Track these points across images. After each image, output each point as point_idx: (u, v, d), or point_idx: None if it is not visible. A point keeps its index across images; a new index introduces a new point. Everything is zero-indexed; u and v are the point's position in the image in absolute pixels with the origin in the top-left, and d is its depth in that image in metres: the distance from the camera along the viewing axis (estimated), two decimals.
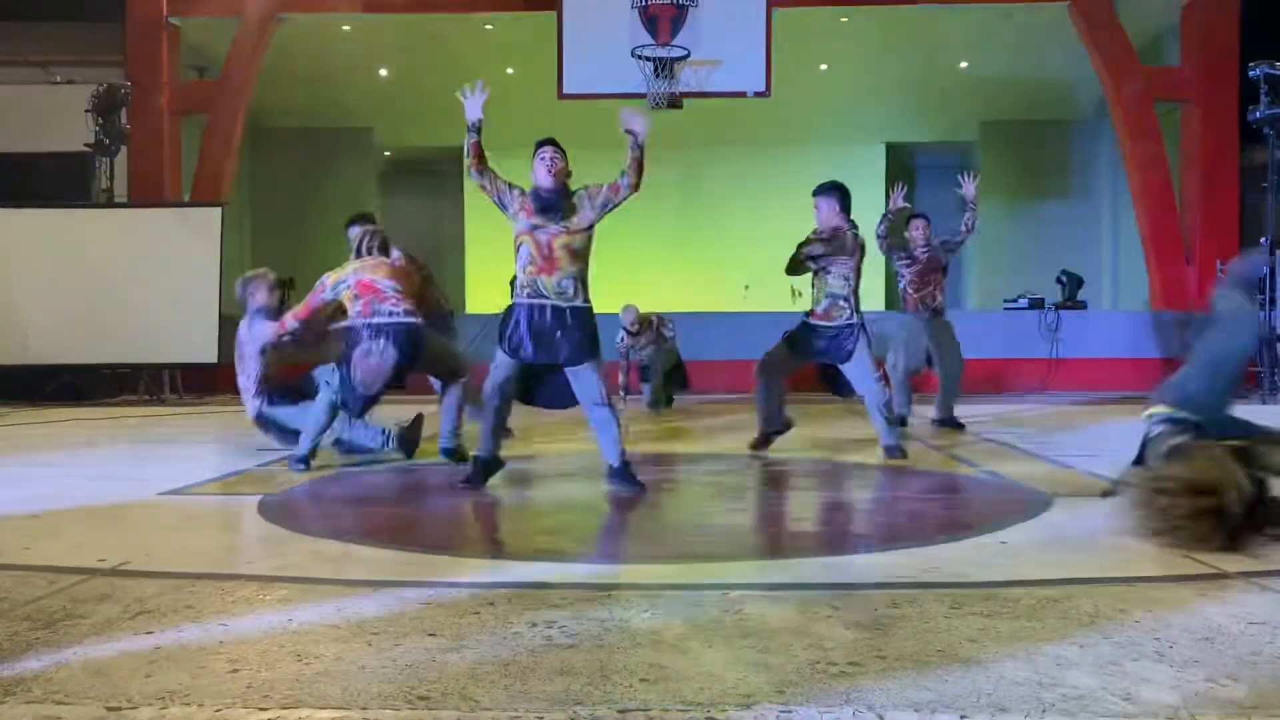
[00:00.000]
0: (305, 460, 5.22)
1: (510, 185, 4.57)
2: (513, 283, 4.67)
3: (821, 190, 5.72)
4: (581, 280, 4.47)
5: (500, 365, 4.49)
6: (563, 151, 4.61)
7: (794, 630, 2.38)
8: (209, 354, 10.29)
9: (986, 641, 2.29)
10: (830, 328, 5.54)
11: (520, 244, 4.48)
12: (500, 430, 4.64)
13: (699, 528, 3.89)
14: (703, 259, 16.27)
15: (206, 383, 11.08)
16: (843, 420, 7.55)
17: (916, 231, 7.40)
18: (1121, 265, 14.25)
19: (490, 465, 4.60)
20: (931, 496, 4.47)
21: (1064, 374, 11.21)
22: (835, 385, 5.77)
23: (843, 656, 2.18)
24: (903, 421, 6.83)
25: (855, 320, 5.53)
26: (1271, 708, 1.90)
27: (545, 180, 4.49)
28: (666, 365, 9.19)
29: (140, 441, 6.93)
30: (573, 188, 4.55)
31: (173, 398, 10.70)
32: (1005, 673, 2.07)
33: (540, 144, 4.62)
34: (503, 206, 4.55)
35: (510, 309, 4.50)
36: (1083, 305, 12.09)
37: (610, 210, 4.56)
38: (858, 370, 5.49)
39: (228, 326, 10.53)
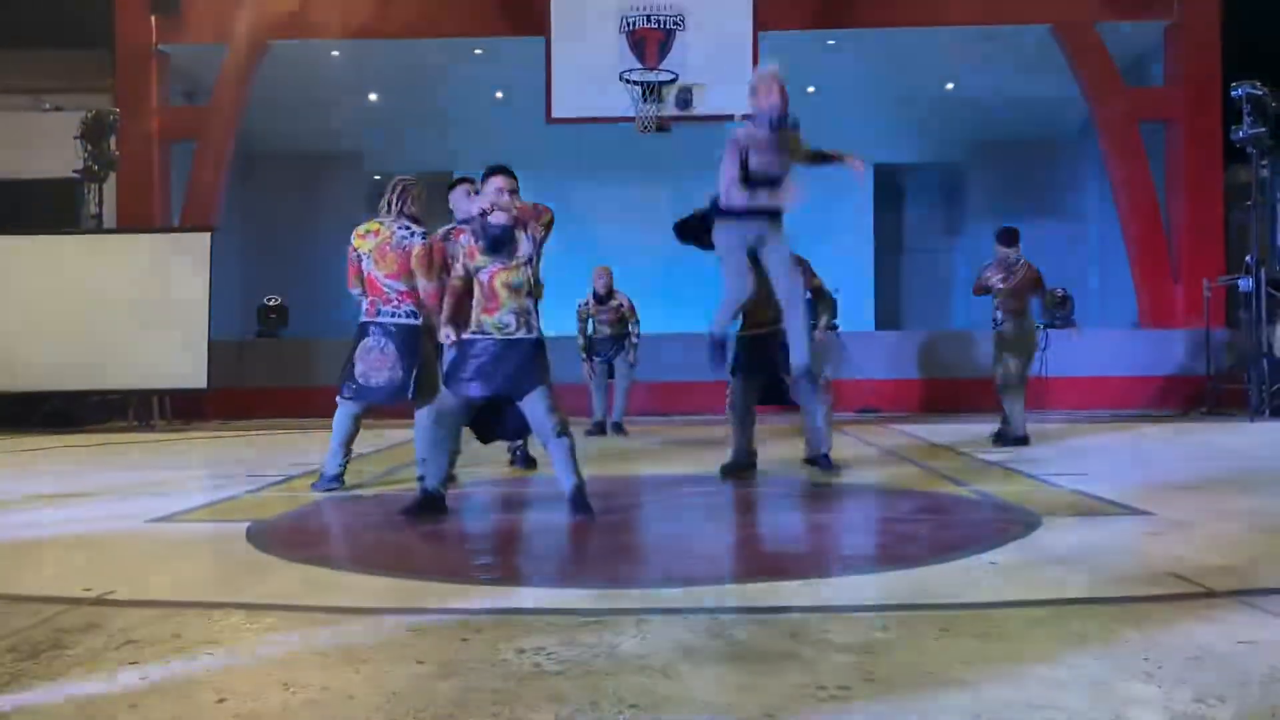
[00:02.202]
0: (337, 479, 5.26)
1: (453, 245, 4.61)
2: None
3: None
4: (524, 313, 4.42)
5: (444, 397, 4.50)
6: (514, 178, 4.48)
7: (783, 654, 2.37)
8: (198, 380, 10.27)
9: (977, 663, 2.28)
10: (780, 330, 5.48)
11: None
12: (451, 463, 4.60)
13: (687, 550, 3.88)
14: (693, 279, 16.30)
15: (196, 408, 11.06)
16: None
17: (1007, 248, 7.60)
18: (1109, 284, 14.33)
19: (434, 501, 4.48)
20: (921, 517, 4.47)
21: (1053, 392, 11.24)
22: (780, 396, 5.84)
23: (832, 680, 2.17)
24: (1024, 440, 7.22)
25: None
26: None
27: (496, 215, 4.42)
28: (626, 371, 8.89)
29: (128, 468, 6.89)
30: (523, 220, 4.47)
31: (162, 423, 10.66)
32: (995, 695, 2.07)
33: (490, 173, 4.48)
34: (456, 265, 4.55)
35: (458, 345, 4.51)
36: (1073, 324, 12.13)
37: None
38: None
39: (217, 352, 10.56)
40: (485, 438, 4.82)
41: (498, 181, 4.42)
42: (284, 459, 6.98)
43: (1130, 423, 9.30)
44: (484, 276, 4.42)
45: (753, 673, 2.24)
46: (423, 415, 5.27)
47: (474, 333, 4.44)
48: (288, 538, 4.13)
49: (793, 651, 2.39)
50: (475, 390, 4.39)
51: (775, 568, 3.65)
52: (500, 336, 4.38)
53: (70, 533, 4.17)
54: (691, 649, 2.42)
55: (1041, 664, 2.27)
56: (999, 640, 2.47)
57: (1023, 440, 7.23)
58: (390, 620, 2.74)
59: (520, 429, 4.65)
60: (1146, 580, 3.09)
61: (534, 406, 4.39)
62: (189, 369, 10.25)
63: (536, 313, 4.49)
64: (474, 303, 4.47)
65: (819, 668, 2.26)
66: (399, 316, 5.19)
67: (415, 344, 5.21)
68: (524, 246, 4.43)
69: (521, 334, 4.40)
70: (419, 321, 5.23)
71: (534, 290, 4.48)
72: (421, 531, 4.29)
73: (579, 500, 4.39)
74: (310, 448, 7.58)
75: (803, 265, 5.69)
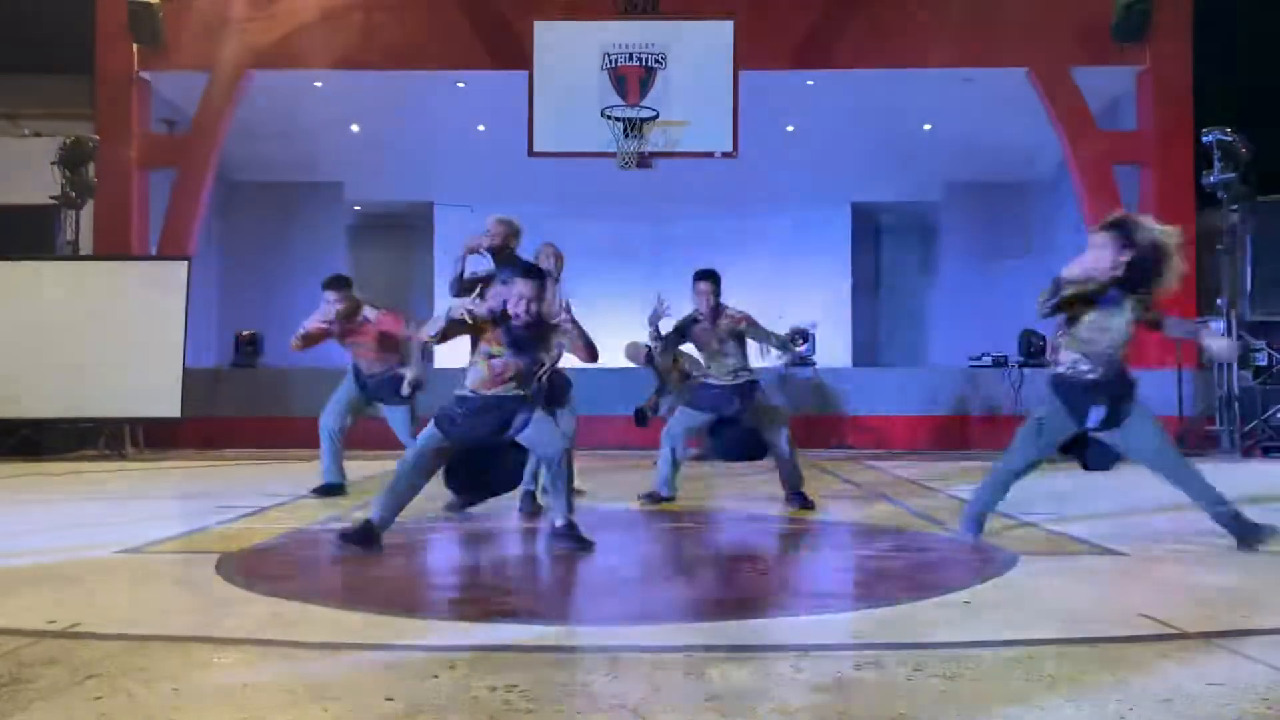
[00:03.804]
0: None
1: (478, 308, 4.52)
2: None
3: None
4: (525, 385, 4.58)
5: (429, 437, 4.53)
6: (542, 282, 4.55)
7: (756, 692, 2.36)
8: (172, 408, 10.18)
9: (949, 704, 2.28)
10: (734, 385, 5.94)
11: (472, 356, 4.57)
12: (409, 499, 4.55)
13: (660, 586, 3.86)
14: (673, 315, 16.37)
15: (169, 438, 10.95)
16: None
17: None
18: None
19: (372, 534, 4.41)
20: (895, 555, 4.47)
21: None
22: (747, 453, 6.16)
23: (805, 719, 2.16)
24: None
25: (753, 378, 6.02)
26: None
27: (520, 319, 4.47)
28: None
29: (98, 498, 6.81)
30: (548, 320, 4.60)
31: (134, 453, 10.54)
32: None
33: (525, 274, 4.52)
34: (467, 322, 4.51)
35: (457, 399, 4.55)
36: (1047, 364, 12.23)
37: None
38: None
39: (191, 381, 10.48)
40: (464, 493, 5.03)
41: (528, 288, 4.45)
42: (257, 490, 6.92)
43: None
44: (498, 364, 4.50)
45: (725, 713, 2.22)
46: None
47: (472, 391, 4.54)
48: (258, 570, 4.08)
49: (765, 690, 2.38)
50: (467, 427, 4.48)
51: (748, 605, 3.64)
52: (503, 393, 4.52)
53: (36, 563, 4.11)
54: (664, 687, 2.41)
55: (1014, 705, 2.26)
56: (971, 681, 2.47)
57: None
58: (361, 656, 2.71)
59: (495, 485, 4.86)
60: (1119, 621, 3.10)
61: (539, 427, 4.49)
62: (163, 398, 10.17)
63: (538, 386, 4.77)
64: (473, 375, 4.54)
65: (791, 707, 2.25)
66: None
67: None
68: (550, 347, 4.69)
69: (516, 392, 4.54)
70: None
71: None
72: (394, 566, 4.26)
73: (570, 533, 4.44)
74: (284, 478, 7.51)
75: (745, 321, 5.98)
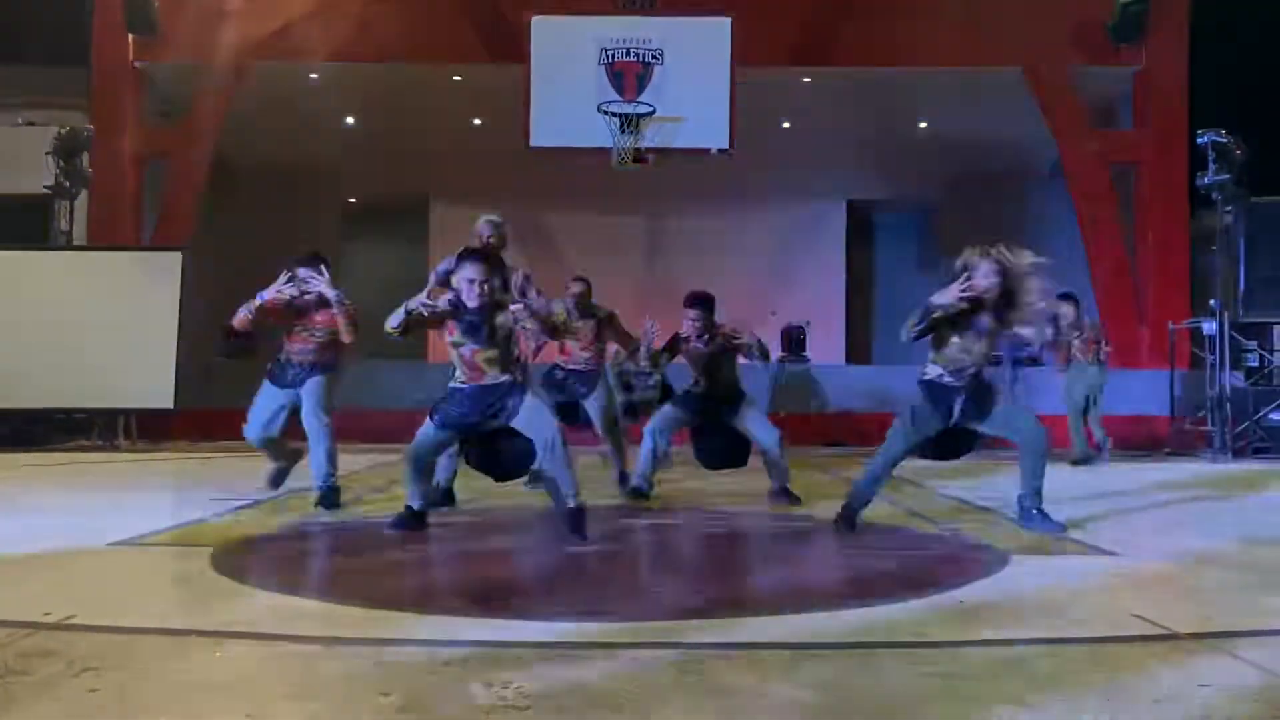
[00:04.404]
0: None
1: (435, 302, 4.66)
2: None
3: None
4: (508, 369, 4.64)
5: (424, 431, 4.65)
6: (490, 267, 4.63)
7: (751, 691, 2.37)
8: (165, 400, 10.17)
9: (944, 702, 2.29)
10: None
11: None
12: (428, 481, 4.77)
13: (656, 583, 3.88)
14: (668, 311, 16.38)
15: (162, 429, 10.92)
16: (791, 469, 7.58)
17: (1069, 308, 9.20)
18: None
19: (416, 517, 4.71)
20: (889, 553, 4.48)
21: None
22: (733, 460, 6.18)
23: (800, 718, 2.17)
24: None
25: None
26: None
27: (471, 302, 4.56)
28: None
29: (91, 489, 6.80)
30: (498, 300, 4.67)
31: (127, 444, 10.53)
32: None
33: (463, 258, 4.62)
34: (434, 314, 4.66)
35: (449, 391, 4.67)
36: (1038, 363, 12.26)
37: None
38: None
39: (185, 372, 10.45)
40: (486, 473, 4.95)
41: (474, 270, 4.53)
42: (251, 482, 6.90)
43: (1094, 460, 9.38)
44: (465, 353, 4.60)
45: (721, 710, 2.23)
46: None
47: (462, 383, 4.64)
48: (253, 564, 4.09)
49: (760, 688, 2.39)
50: (461, 416, 4.59)
51: (743, 603, 3.65)
52: (492, 382, 4.60)
53: (30, 554, 4.10)
54: (660, 685, 2.42)
55: (1007, 705, 2.28)
56: (965, 680, 2.48)
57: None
58: (357, 651, 2.71)
59: (513, 465, 4.80)
60: (1111, 621, 3.12)
61: (537, 420, 4.55)
62: (156, 389, 10.15)
63: (516, 360, 4.72)
64: (458, 365, 4.66)
65: (786, 705, 2.26)
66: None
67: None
68: (502, 329, 4.61)
69: (505, 379, 4.61)
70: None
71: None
72: (390, 560, 4.26)
73: (576, 520, 4.51)
74: None
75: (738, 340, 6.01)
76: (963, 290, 4.62)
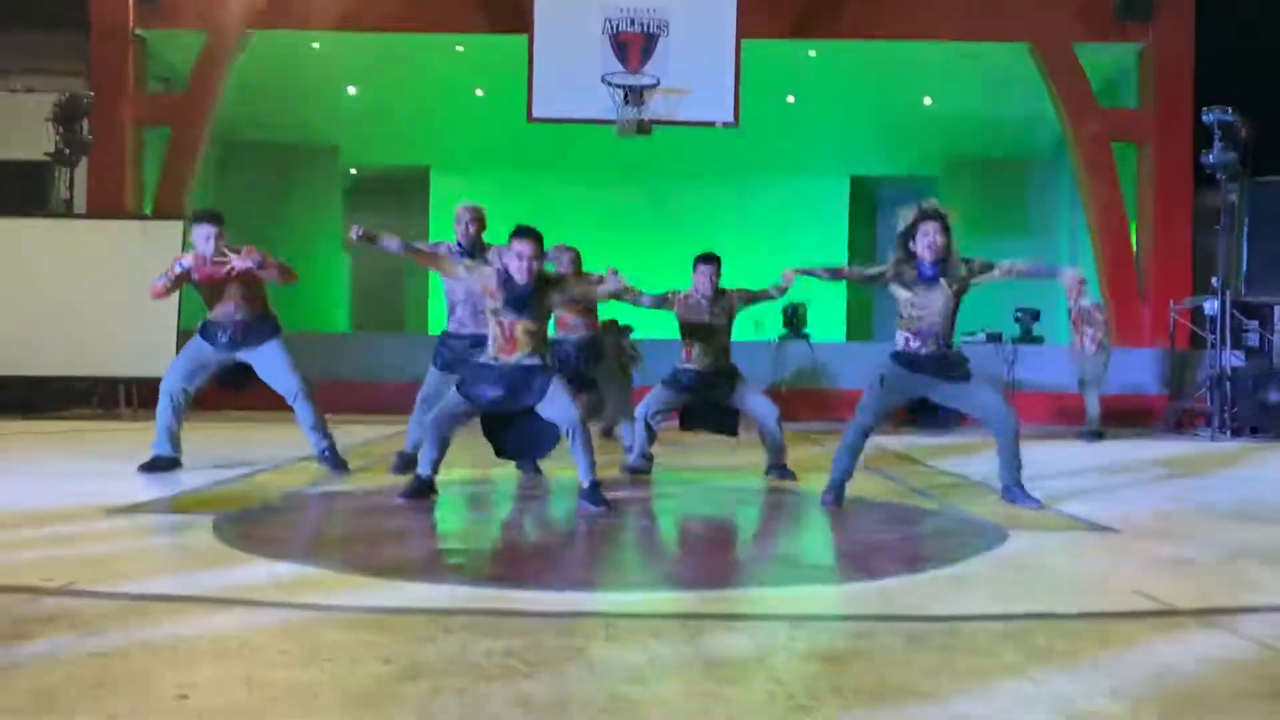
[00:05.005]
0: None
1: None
2: None
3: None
4: (540, 350, 4.74)
5: (450, 398, 4.74)
6: (540, 243, 4.70)
7: (752, 662, 2.38)
8: (165, 368, 10.14)
9: (942, 676, 2.30)
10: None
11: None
12: (443, 453, 4.79)
13: (657, 555, 3.89)
14: (668, 285, 16.36)
15: None
16: (792, 446, 7.59)
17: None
18: None
19: (426, 485, 4.75)
20: (888, 529, 4.49)
21: (1020, 407, 11.34)
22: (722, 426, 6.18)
23: (800, 690, 2.18)
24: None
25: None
26: None
27: (520, 278, 4.65)
28: None
29: (92, 457, 6.80)
30: (547, 277, 4.80)
31: (127, 412, 10.53)
32: (961, 709, 2.09)
33: (518, 234, 4.68)
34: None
35: (480, 366, 4.75)
36: (1039, 340, 12.27)
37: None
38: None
39: (185, 340, 10.40)
40: (503, 454, 5.04)
41: (526, 247, 4.62)
42: (251, 451, 6.93)
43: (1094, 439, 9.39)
44: (505, 321, 4.69)
45: (721, 681, 2.24)
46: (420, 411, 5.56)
47: (492, 358, 4.72)
48: (254, 531, 4.10)
49: (761, 660, 2.39)
50: (488, 393, 4.65)
51: (742, 575, 3.66)
52: (520, 363, 4.69)
53: (30, 521, 4.11)
54: (660, 655, 2.42)
55: (1007, 678, 2.28)
56: (965, 654, 2.49)
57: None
58: (358, 618, 2.72)
59: (531, 447, 4.93)
60: (1111, 597, 3.13)
61: (556, 400, 4.63)
62: (157, 358, 10.11)
63: (547, 344, 4.85)
64: (490, 338, 4.76)
65: (787, 677, 2.27)
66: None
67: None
68: (552, 301, 4.79)
69: (535, 361, 4.70)
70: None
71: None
72: (392, 528, 4.27)
73: (595, 494, 4.60)
74: (278, 440, 7.51)
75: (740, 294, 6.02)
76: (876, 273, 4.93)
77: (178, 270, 5.63)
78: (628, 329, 9.29)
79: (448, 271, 5.14)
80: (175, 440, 5.78)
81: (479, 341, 5.24)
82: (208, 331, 5.75)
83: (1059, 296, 14.85)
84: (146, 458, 5.74)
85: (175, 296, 10.16)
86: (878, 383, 4.93)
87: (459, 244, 5.62)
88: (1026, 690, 2.20)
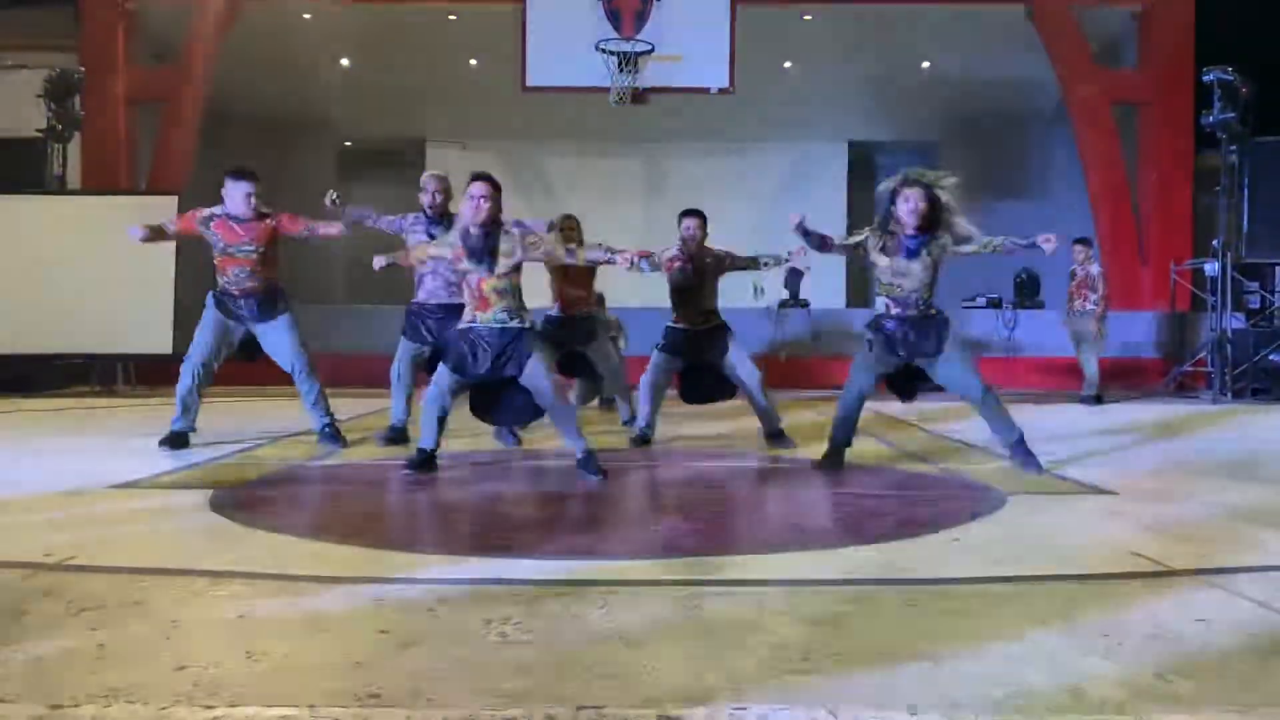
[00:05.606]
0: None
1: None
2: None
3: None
4: (515, 310, 4.73)
5: (440, 374, 4.79)
6: (496, 188, 4.69)
7: (750, 627, 2.38)
8: (164, 345, 10.14)
9: (939, 638, 2.30)
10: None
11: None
12: (443, 426, 4.85)
13: (654, 523, 3.89)
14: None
15: (161, 374, 10.90)
16: (791, 413, 7.59)
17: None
18: None
19: (427, 458, 4.82)
20: (886, 493, 4.50)
21: (1020, 372, 11.35)
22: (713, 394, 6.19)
23: (798, 653, 2.18)
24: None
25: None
26: (1217, 703, 1.93)
27: (474, 216, 4.63)
28: None
29: (90, 433, 6.81)
30: (505, 227, 4.73)
31: (125, 389, 10.53)
32: (957, 669, 2.09)
33: (474, 178, 4.68)
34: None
35: (460, 332, 4.78)
36: (1040, 305, 12.24)
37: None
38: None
39: (183, 316, 10.40)
40: (485, 418, 5.09)
41: (480, 188, 4.62)
42: (249, 426, 6.93)
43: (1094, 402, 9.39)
44: (472, 280, 4.71)
45: (719, 645, 2.25)
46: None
47: (470, 321, 4.74)
48: (252, 505, 4.10)
49: (758, 624, 2.40)
50: (475, 368, 4.68)
51: (740, 541, 3.67)
52: (498, 325, 4.69)
53: (29, 497, 4.12)
54: (658, 621, 2.43)
55: (1003, 639, 2.29)
56: (961, 616, 2.50)
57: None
58: (356, 589, 2.72)
59: (513, 416, 4.99)
60: (1108, 558, 3.13)
61: (534, 377, 4.66)
62: (155, 334, 10.12)
63: (525, 308, 4.79)
64: (466, 299, 4.78)
65: (784, 640, 2.27)
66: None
67: None
68: (509, 259, 4.68)
69: (515, 324, 4.70)
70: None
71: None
72: (389, 500, 4.28)
73: (590, 463, 4.67)
74: (275, 415, 7.52)
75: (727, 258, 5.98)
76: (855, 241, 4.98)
77: (170, 230, 5.84)
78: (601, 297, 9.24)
79: (422, 260, 5.29)
80: (192, 415, 5.82)
81: (450, 310, 5.30)
82: (224, 304, 5.75)
83: (1059, 258, 14.84)
84: (164, 432, 5.75)
85: (170, 272, 10.18)
86: (865, 350, 4.99)
87: (425, 213, 5.80)
88: (1021, 650, 2.21)
